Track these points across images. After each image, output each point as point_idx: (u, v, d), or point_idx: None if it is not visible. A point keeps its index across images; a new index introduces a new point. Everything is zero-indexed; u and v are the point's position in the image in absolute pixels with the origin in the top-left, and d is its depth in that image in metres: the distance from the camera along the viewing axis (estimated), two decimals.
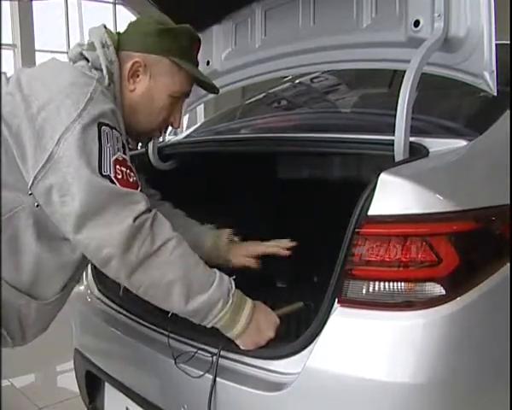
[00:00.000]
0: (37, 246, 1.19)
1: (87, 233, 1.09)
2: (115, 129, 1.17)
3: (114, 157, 1.14)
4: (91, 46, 1.30)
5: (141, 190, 1.17)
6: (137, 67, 1.31)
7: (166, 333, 1.40)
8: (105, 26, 1.34)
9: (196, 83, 1.42)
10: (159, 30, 1.32)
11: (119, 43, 1.32)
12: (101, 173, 1.10)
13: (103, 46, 1.29)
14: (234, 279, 1.24)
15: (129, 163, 1.18)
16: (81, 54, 1.30)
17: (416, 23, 1.33)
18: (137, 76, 1.32)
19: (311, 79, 2.19)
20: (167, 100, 1.34)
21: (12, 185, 1.17)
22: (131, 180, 1.16)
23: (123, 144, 1.19)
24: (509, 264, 1.13)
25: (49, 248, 1.20)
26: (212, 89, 1.47)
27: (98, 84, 1.20)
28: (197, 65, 1.41)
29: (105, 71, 1.27)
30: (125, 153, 1.18)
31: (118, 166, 1.13)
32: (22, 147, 1.14)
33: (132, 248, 1.10)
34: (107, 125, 1.15)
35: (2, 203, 1.16)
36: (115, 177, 1.12)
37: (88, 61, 1.29)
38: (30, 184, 1.13)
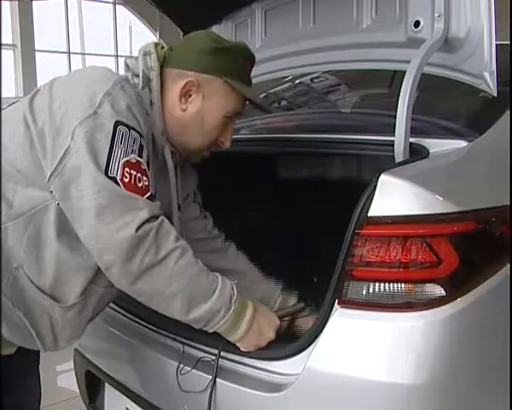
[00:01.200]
0: (56, 244, 1.17)
1: (93, 231, 1.08)
2: (134, 130, 1.15)
3: (125, 159, 1.11)
4: (136, 58, 1.32)
5: (152, 196, 1.14)
6: (190, 87, 1.28)
7: (166, 334, 1.40)
8: (156, 43, 1.34)
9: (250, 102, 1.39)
10: (214, 49, 1.29)
11: (171, 58, 1.31)
12: (106, 174, 1.09)
13: (145, 54, 1.29)
14: (236, 283, 1.24)
15: (143, 166, 1.14)
16: (126, 64, 1.32)
17: (417, 23, 1.33)
18: (190, 95, 1.29)
19: (312, 79, 2.19)
20: (220, 120, 1.31)
21: (36, 182, 1.16)
22: (140, 185, 1.12)
23: (140, 146, 1.15)
24: (508, 265, 1.13)
25: (68, 247, 1.18)
26: (265, 109, 1.49)
27: (120, 80, 1.20)
28: (250, 83, 1.38)
29: (141, 74, 1.27)
30: (140, 155, 1.15)
31: (127, 169, 1.11)
32: (44, 141, 1.14)
33: (134, 257, 1.08)
34: (125, 125, 1.13)
35: (27, 199, 1.16)
36: (121, 179, 1.10)
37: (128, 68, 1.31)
38: (47, 179, 1.13)
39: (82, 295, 1.22)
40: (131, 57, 1.35)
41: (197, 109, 1.30)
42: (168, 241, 1.12)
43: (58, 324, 1.22)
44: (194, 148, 1.35)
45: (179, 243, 1.14)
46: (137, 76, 1.28)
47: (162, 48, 1.33)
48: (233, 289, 1.21)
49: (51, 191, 1.15)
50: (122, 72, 1.34)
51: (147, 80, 1.28)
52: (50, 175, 1.12)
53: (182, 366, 1.30)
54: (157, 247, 1.10)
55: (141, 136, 1.16)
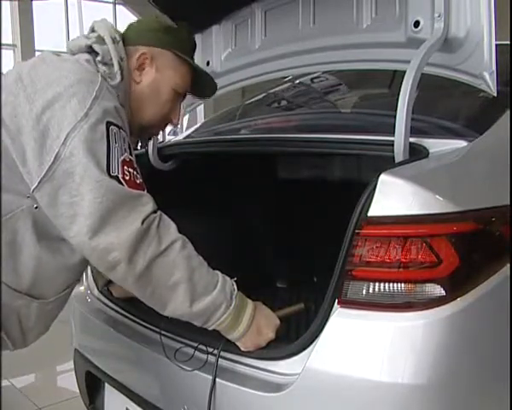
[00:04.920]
0: (36, 248, 1.17)
1: (95, 236, 1.06)
2: (122, 129, 1.16)
3: (122, 157, 1.12)
4: (99, 40, 1.28)
5: (148, 191, 1.16)
6: (144, 59, 1.33)
7: (167, 334, 1.40)
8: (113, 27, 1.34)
9: (192, 91, 1.45)
10: (165, 26, 1.38)
11: (124, 39, 1.33)
12: (109, 173, 1.09)
13: (113, 41, 1.28)
14: (235, 281, 1.24)
15: (135, 164, 1.17)
16: (90, 47, 1.28)
17: (416, 23, 1.33)
18: (143, 68, 1.34)
19: (312, 80, 2.19)
20: (171, 93, 1.38)
21: (9, 188, 1.14)
22: (138, 182, 1.15)
23: (129, 145, 1.17)
24: (509, 265, 1.13)
25: (49, 250, 1.19)
26: (209, 88, 1.50)
27: (103, 81, 1.19)
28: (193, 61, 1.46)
29: (117, 67, 1.27)
30: (131, 154, 1.17)
31: (125, 167, 1.12)
32: (22, 148, 1.11)
33: (140, 250, 1.08)
34: (115, 124, 1.14)
35: None
36: (123, 178, 1.11)
37: (95, 54, 1.27)
38: (34, 186, 1.10)
39: (65, 291, 1.24)
40: (87, 37, 1.30)
41: (151, 81, 1.34)
42: (169, 232, 1.14)
43: (30, 320, 1.22)
44: (147, 122, 1.38)
45: (180, 235, 1.16)
46: (106, 64, 1.26)
47: (118, 30, 1.35)
48: (233, 285, 1.22)
49: (28, 197, 1.14)
50: (68, 50, 1.31)
51: (122, 71, 1.28)
52: (39, 182, 1.10)
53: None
54: (159, 238, 1.11)
55: (127, 135, 1.18)
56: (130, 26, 1.38)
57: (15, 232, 1.16)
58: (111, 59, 1.26)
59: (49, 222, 1.15)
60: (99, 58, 1.26)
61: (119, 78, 1.26)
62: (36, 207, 1.15)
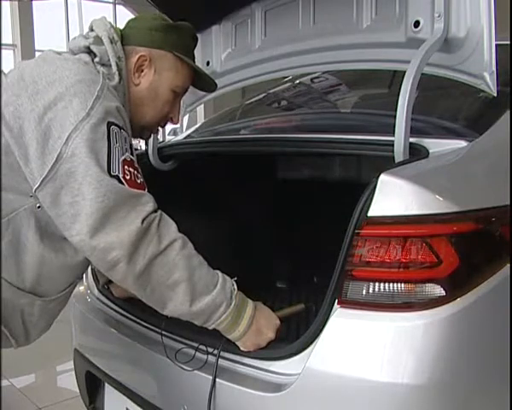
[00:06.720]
0: (39, 247, 1.18)
1: (96, 235, 1.07)
2: (123, 129, 1.16)
3: (123, 157, 1.13)
4: (97, 40, 1.28)
5: (148, 191, 1.17)
6: (143, 61, 1.32)
7: (167, 334, 1.40)
8: (112, 25, 1.33)
9: (193, 84, 1.44)
10: (164, 25, 1.35)
11: (122, 38, 1.33)
12: (109, 173, 1.09)
13: (111, 42, 1.28)
14: (236, 281, 1.24)
15: (136, 164, 1.17)
16: (88, 47, 1.28)
17: (416, 23, 1.33)
18: (142, 70, 1.33)
19: (312, 80, 2.19)
20: (170, 95, 1.37)
21: (12, 187, 1.15)
22: (139, 181, 1.15)
23: (130, 145, 1.18)
24: (508, 265, 1.13)
25: (52, 249, 1.19)
26: (209, 86, 1.49)
27: (105, 82, 1.19)
28: (194, 60, 1.44)
29: (114, 68, 1.26)
30: (132, 153, 1.17)
31: (126, 167, 1.12)
32: (25, 148, 1.12)
33: (140, 249, 1.09)
34: (116, 124, 1.14)
35: (3, 204, 1.15)
36: (123, 177, 1.11)
37: (93, 55, 1.27)
38: (37, 186, 1.11)
39: (67, 289, 1.26)
40: (85, 37, 1.29)
41: (149, 83, 1.34)
42: (169, 231, 1.14)
43: (33, 317, 1.23)
44: (147, 122, 1.38)
45: (180, 235, 1.16)
46: (104, 64, 1.26)
47: (116, 28, 1.34)
48: (233, 284, 1.23)
49: (31, 196, 1.14)
50: (68, 50, 1.30)
51: (120, 71, 1.28)
52: (41, 182, 1.10)
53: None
54: (159, 237, 1.11)
55: (128, 135, 1.18)
56: (129, 24, 1.37)
57: (18, 231, 1.17)
58: (109, 60, 1.27)
59: (51, 221, 1.15)
60: (97, 59, 1.27)
61: (117, 78, 1.27)
62: (38, 207, 1.16)
